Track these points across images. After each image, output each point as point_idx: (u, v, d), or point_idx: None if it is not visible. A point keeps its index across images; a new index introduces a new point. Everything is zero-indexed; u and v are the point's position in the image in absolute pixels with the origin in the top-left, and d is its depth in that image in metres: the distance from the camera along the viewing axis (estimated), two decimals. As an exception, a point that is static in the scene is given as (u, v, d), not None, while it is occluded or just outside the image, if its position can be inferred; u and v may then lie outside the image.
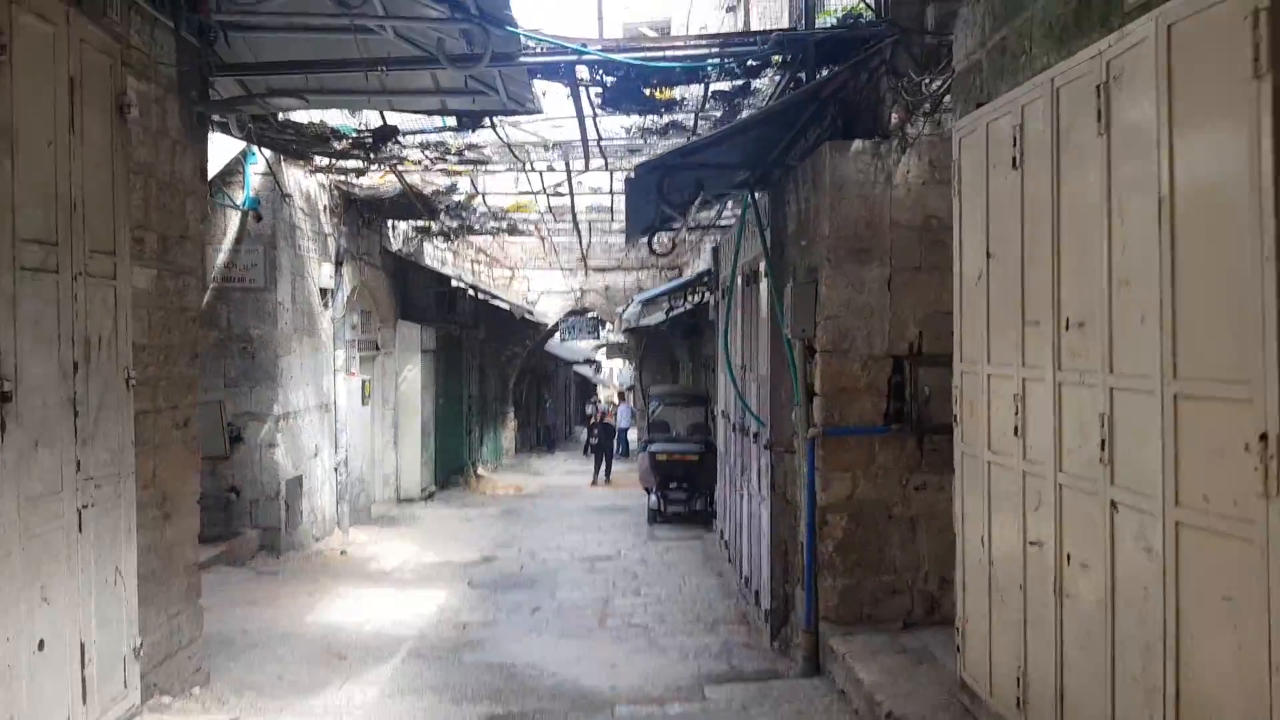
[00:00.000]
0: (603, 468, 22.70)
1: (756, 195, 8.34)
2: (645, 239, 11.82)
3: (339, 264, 13.07)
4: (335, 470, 12.94)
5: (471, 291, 18.24)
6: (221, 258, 11.29)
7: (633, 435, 32.64)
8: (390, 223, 16.21)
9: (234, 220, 11.29)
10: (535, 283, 27.63)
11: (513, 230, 17.00)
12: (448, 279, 18.08)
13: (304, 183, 12.11)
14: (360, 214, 14.33)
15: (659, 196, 7.57)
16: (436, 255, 19.68)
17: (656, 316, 20.58)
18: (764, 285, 8.41)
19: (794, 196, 7.69)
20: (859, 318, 6.77)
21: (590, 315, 29.12)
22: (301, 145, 10.22)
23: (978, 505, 4.91)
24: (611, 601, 9.52)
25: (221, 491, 11.13)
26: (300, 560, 11.08)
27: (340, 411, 13.11)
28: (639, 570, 11.04)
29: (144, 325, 5.58)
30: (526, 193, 13.90)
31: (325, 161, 11.84)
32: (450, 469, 19.39)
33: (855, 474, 6.79)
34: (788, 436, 7.95)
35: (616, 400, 39.37)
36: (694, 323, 23.03)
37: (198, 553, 6.53)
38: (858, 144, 6.80)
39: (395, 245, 16.38)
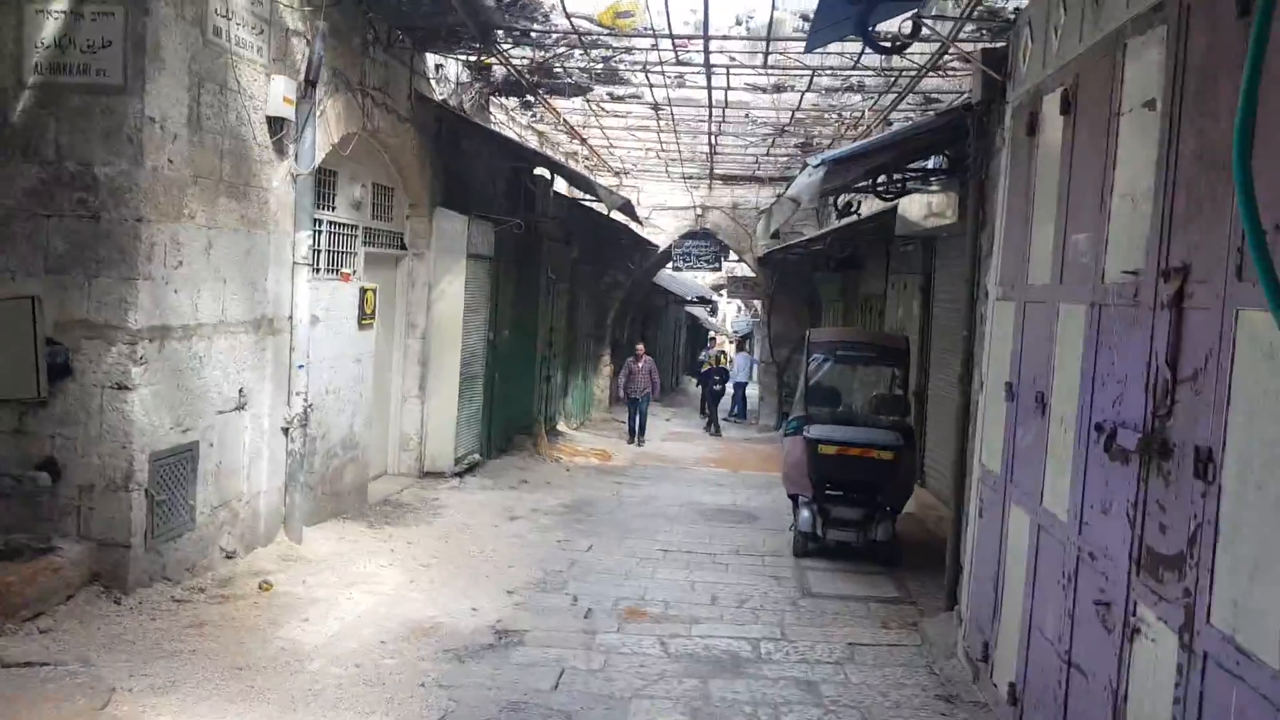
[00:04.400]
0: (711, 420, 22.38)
1: None
2: (859, 24, 6.03)
3: (311, 82, 7.65)
4: (285, 433, 7.67)
5: (548, 175, 12.67)
6: (49, 28, 5.99)
7: (752, 391, 27.06)
8: (432, 61, 10.78)
9: (81, -39, 5.97)
10: (647, 195, 22.00)
11: (612, 79, 11.30)
12: (526, 154, 12.54)
13: (239, -79, 6.69)
14: (369, 23, 8.90)
15: None
16: (513, 133, 14.19)
17: (814, 225, 14.64)
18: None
19: None
20: None
21: (713, 240, 23.36)
22: None
23: None
24: None
25: (25, 468, 5.94)
26: (159, 607, 5.83)
27: (301, 334, 7.78)
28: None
29: None
30: (632, -21, 8.20)
31: None
32: (514, 427, 14.04)
33: None
34: None
35: (733, 350, 33.76)
36: (852, 254, 17.50)
37: None
38: None
39: (440, 95, 10.94)
